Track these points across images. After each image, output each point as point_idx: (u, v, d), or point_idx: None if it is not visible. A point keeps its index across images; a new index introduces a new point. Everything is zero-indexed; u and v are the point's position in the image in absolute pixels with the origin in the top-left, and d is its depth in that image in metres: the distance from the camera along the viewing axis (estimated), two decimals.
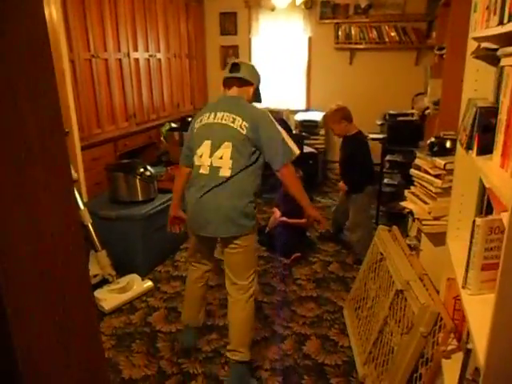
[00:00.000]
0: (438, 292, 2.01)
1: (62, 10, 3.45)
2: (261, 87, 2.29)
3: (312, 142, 5.26)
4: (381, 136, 4.15)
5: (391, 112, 4.13)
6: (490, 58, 1.52)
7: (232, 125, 2.08)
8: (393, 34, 5.36)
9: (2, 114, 0.63)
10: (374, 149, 4.77)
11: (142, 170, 3.37)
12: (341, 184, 3.62)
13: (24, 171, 0.66)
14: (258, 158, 2.12)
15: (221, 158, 2.07)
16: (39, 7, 0.69)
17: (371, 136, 4.24)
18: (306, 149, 5.08)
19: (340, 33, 5.58)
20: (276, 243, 3.76)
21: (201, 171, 2.12)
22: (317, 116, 5.51)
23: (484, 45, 1.45)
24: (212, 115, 2.15)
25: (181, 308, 2.73)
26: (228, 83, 2.23)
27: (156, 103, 5.13)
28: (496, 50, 1.40)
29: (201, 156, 2.13)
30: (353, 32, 5.52)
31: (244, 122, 2.07)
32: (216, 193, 2.07)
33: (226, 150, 2.06)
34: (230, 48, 6.22)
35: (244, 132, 2.06)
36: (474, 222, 1.41)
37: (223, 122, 2.10)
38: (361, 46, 5.56)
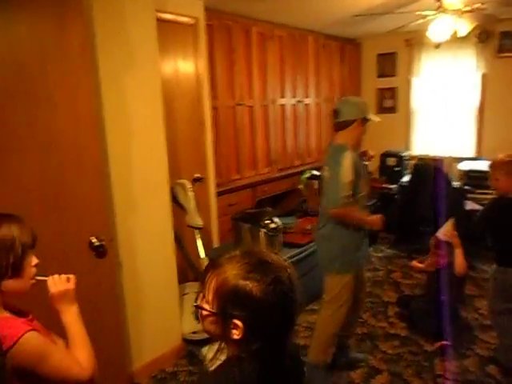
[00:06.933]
0: None
1: (210, 62, 3.59)
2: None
3: (479, 196, 4.36)
4: None
5: None
6: None
7: None
8: None
9: None
10: None
11: (267, 221, 3.17)
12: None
13: None
14: None
15: None
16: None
17: None
18: (470, 205, 4.22)
19: None
20: (419, 321, 3.10)
21: None
22: (487, 166, 4.58)
23: None
24: None
25: None
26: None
27: (301, 149, 4.98)
28: None
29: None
30: None
31: None
32: None
33: None
34: (387, 90, 5.77)
35: None
36: None
37: None
38: None
